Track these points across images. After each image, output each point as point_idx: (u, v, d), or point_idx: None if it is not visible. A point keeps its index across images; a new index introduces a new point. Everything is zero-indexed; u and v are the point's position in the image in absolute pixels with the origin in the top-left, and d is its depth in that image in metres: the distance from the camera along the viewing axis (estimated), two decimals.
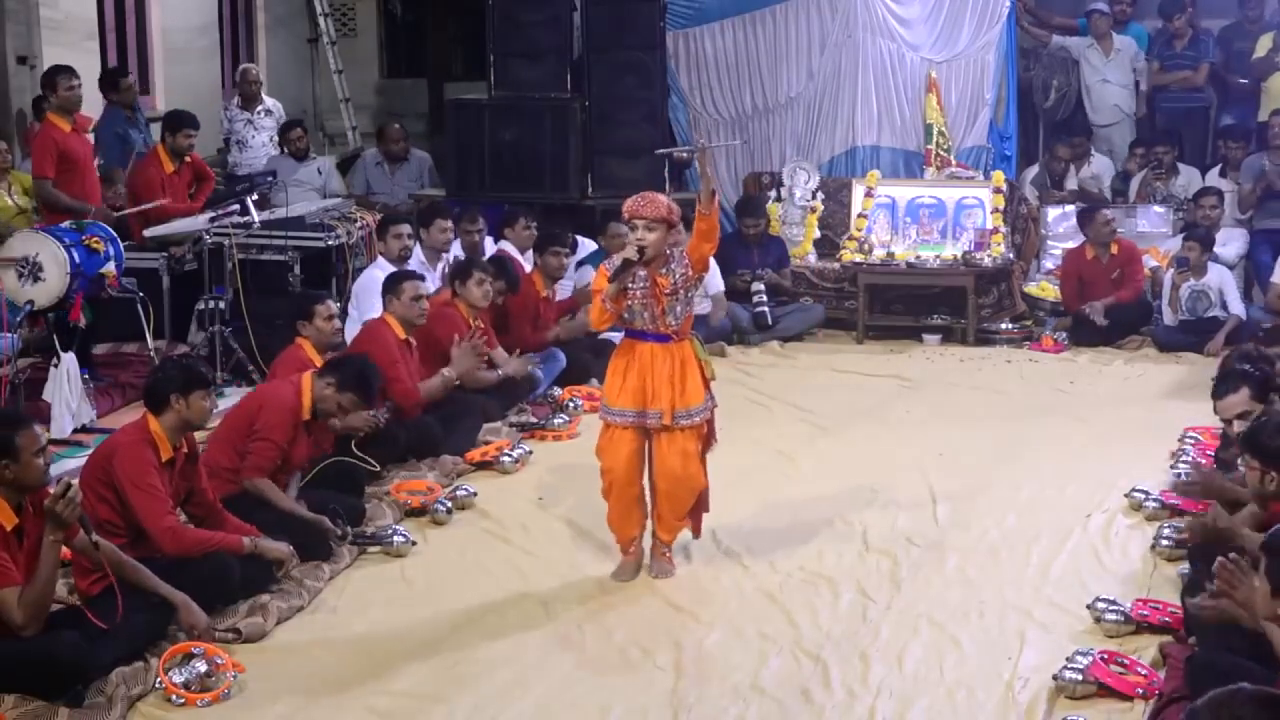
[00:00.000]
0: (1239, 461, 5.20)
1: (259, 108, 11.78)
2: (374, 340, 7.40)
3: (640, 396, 5.69)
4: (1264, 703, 2.87)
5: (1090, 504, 6.73)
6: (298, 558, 5.80)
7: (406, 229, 8.74)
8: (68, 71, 8.88)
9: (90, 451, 5.62)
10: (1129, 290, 10.19)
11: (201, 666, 4.84)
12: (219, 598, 5.37)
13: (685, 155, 5.99)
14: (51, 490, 4.72)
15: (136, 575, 5.05)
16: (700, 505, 5.96)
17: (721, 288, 10.12)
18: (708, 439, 5.89)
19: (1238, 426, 5.76)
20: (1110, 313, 10.08)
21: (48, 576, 4.67)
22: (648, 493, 5.87)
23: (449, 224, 9.13)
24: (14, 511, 4.70)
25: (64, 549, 4.84)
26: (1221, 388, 6.04)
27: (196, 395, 5.44)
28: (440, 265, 8.97)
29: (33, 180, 9.00)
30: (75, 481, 4.78)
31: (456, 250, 9.25)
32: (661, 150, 6.49)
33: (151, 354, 8.35)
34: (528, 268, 9.21)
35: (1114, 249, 10.28)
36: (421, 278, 7.81)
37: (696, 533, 6.04)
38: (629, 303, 5.67)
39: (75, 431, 7.33)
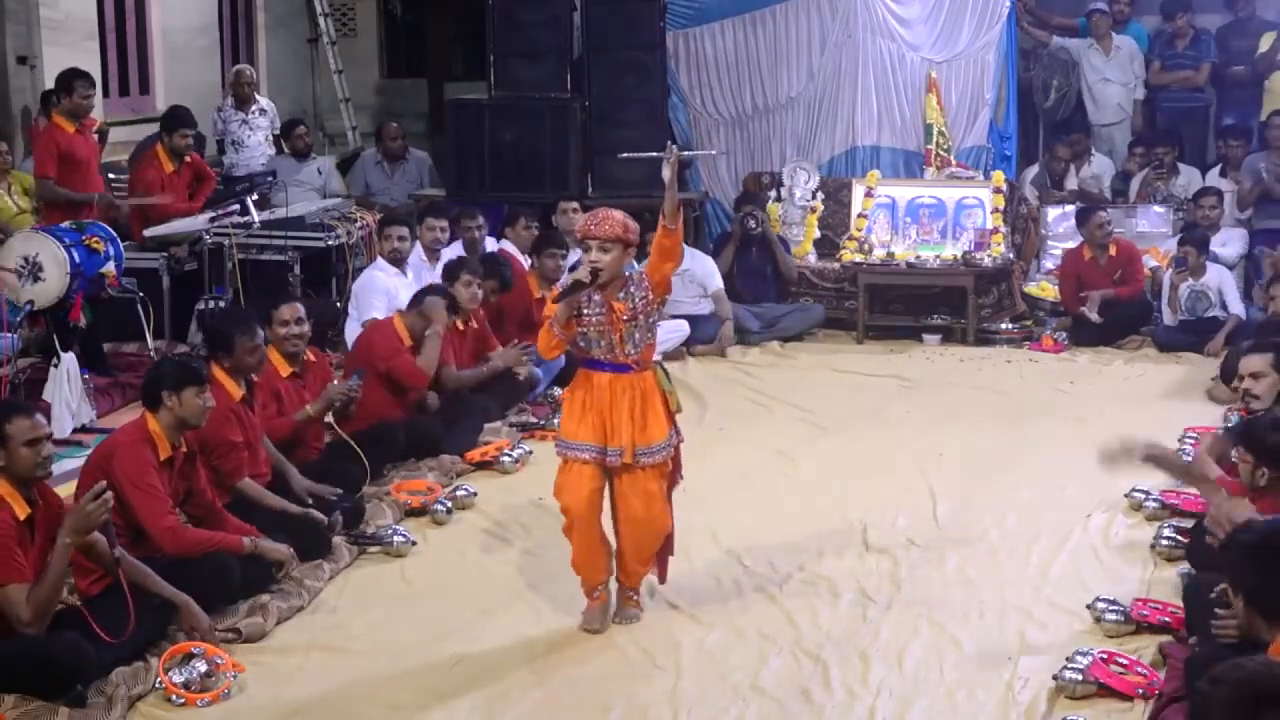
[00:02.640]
0: (1232, 453, 5.24)
1: (253, 107, 11.76)
2: (378, 332, 7.53)
3: (600, 431, 5.21)
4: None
5: (1090, 504, 6.72)
6: (298, 559, 5.80)
7: (398, 230, 8.73)
8: (86, 79, 8.91)
9: (90, 451, 5.61)
10: (1129, 288, 10.19)
11: (201, 666, 4.84)
12: (219, 598, 5.36)
13: (661, 159, 5.29)
14: (54, 488, 4.73)
15: (140, 576, 5.05)
16: (665, 549, 5.56)
17: (721, 285, 10.13)
18: (673, 475, 5.46)
19: (1245, 385, 5.75)
20: (1110, 312, 10.07)
21: (57, 578, 4.69)
22: (610, 534, 5.48)
23: (441, 223, 9.11)
24: (26, 503, 4.71)
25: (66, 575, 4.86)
26: (1249, 347, 6.02)
27: (189, 392, 5.41)
28: (439, 265, 8.95)
29: (34, 180, 9.03)
30: (105, 485, 4.79)
31: (457, 249, 9.25)
32: (626, 154, 5.95)
33: (151, 354, 8.35)
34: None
35: (1113, 250, 10.27)
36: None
37: (662, 578, 5.62)
38: (583, 330, 5.19)
39: (75, 431, 7.34)
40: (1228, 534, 4.12)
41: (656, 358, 5.45)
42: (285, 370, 6.75)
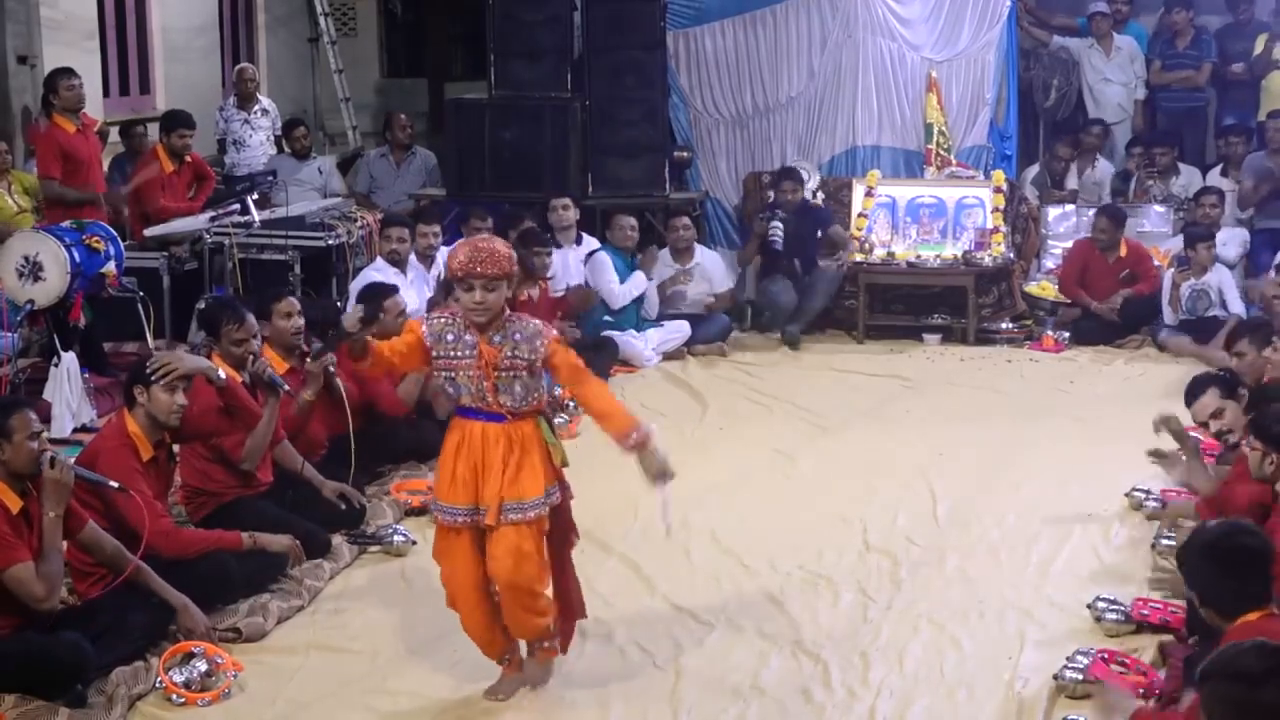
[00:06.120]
0: (1244, 444, 5.31)
1: (255, 107, 11.76)
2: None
3: (472, 488, 4.64)
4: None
5: (1090, 504, 6.73)
6: (302, 548, 5.78)
7: (397, 232, 8.71)
8: (66, 72, 9.00)
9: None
10: (1146, 285, 10.22)
11: (201, 666, 4.85)
12: (218, 597, 5.36)
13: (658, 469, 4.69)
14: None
15: (139, 574, 5.05)
16: (571, 612, 4.97)
17: (730, 284, 10.14)
18: (567, 535, 4.88)
19: (1214, 427, 5.91)
20: (1123, 306, 10.10)
21: (54, 550, 4.73)
22: None
23: (433, 229, 8.96)
24: (19, 495, 4.72)
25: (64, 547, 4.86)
26: (1190, 396, 6.17)
27: (156, 387, 5.40)
28: (435, 271, 8.86)
29: (39, 181, 9.06)
30: (59, 453, 4.82)
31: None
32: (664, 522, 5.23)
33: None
34: None
35: (1123, 250, 10.29)
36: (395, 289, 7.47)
37: (564, 647, 4.97)
38: (448, 374, 4.63)
39: (75, 431, 7.34)
40: (1183, 543, 4.19)
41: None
42: (282, 367, 6.63)
